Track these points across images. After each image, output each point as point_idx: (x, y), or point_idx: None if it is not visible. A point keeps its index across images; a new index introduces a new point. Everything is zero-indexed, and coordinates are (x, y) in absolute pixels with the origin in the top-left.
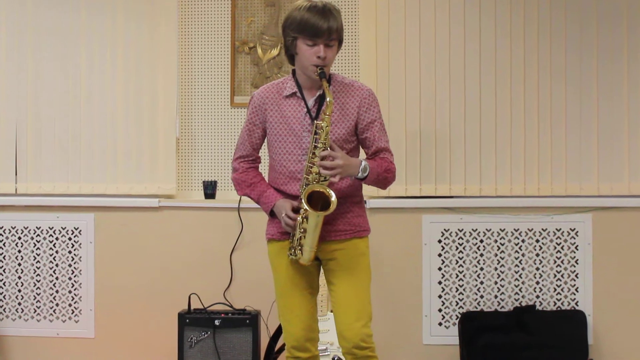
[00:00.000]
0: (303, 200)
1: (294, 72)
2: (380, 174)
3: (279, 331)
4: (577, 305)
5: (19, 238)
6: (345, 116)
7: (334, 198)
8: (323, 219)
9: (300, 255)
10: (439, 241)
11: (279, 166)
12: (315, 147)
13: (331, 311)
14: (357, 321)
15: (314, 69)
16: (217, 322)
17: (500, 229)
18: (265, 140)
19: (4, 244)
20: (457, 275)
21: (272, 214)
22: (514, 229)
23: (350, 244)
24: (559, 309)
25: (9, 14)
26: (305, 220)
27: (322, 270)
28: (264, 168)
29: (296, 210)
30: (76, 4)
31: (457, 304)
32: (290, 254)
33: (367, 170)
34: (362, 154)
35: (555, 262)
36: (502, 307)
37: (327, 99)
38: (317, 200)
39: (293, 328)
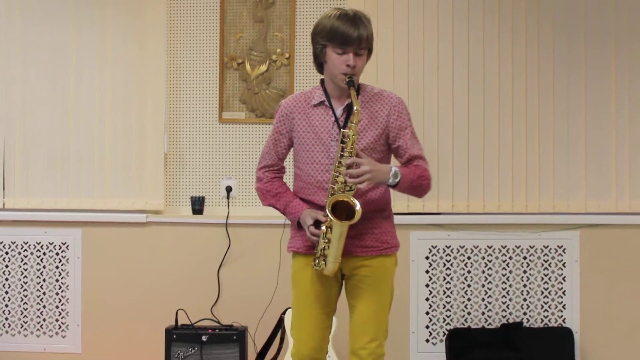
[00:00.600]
0: (327, 210)
1: (322, 81)
2: (414, 181)
3: (266, 347)
4: (565, 323)
5: (7, 253)
6: (374, 124)
7: (358, 207)
8: (347, 229)
9: (324, 265)
10: (427, 258)
11: (306, 176)
12: (342, 155)
13: None
14: (372, 341)
15: (343, 77)
16: (204, 338)
17: (488, 246)
18: (291, 150)
19: None
20: (445, 292)
21: (298, 225)
22: (502, 246)
23: (377, 261)
24: (546, 326)
25: None
26: (329, 230)
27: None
28: (289, 178)
29: (318, 224)
30: (65, 20)
31: (445, 320)
32: (315, 265)
33: (398, 176)
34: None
35: (542, 279)
36: (490, 324)
37: (355, 108)
38: (342, 210)
39: (302, 346)
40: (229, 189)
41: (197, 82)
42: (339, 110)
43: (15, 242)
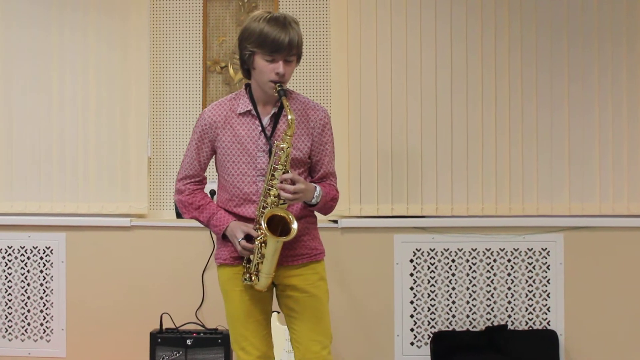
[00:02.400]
0: (263, 225)
1: (247, 86)
2: (327, 202)
3: None
4: (549, 325)
5: None
6: (301, 137)
7: (295, 225)
8: (282, 244)
9: (257, 281)
10: (411, 261)
11: (232, 187)
12: (275, 168)
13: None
14: (323, 349)
15: (272, 85)
16: (189, 342)
17: (472, 249)
18: (213, 160)
19: None
20: (429, 295)
21: (224, 237)
22: (486, 249)
23: (308, 269)
24: (530, 328)
25: None
26: (263, 245)
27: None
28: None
29: (249, 237)
30: (47, 23)
31: (429, 323)
32: (245, 279)
33: (319, 197)
34: None
35: (527, 281)
36: (474, 326)
37: (289, 117)
38: (277, 225)
39: (249, 357)
40: (212, 193)
41: (180, 85)
42: (265, 120)
43: None
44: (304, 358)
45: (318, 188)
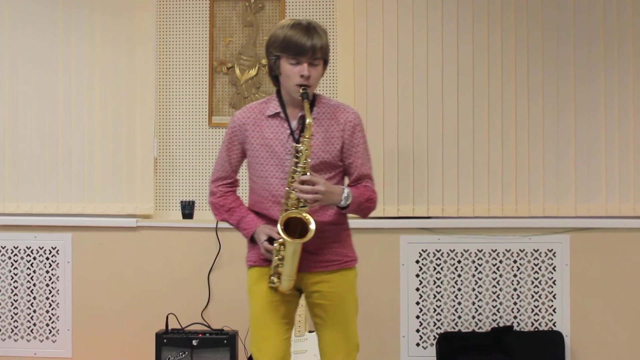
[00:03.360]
0: (279, 228)
1: (278, 92)
2: (362, 204)
3: None
4: (555, 326)
5: None
6: (330, 140)
7: (312, 225)
8: (302, 246)
9: (279, 283)
10: (417, 262)
11: (261, 190)
12: (295, 171)
13: (310, 331)
14: (347, 357)
15: (298, 88)
16: (194, 342)
17: (478, 250)
18: (245, 162)
19: None
20: (435, 296)
21: (252, 240)
22: (492, 250)
23: (338, 275)
24: (536, 329)
25: None
26: (283, 247)
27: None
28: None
29: (273, 240)
30: (53, 24)
31: (435, 324)
32: (270, 282)
33: (349, 199)
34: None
35: (532, 282)
36: (480, 327)
37: (307, 121)
38: (296, 226)
39: (265, 358)
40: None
41: (186, 86)
42: (294, 123)
43: (5, 247)
44: None
45: (346, 190)
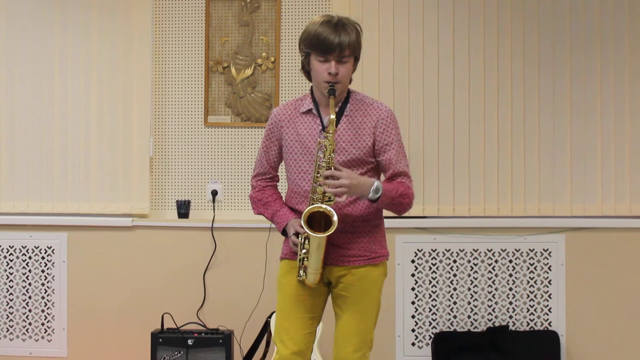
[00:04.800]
0: (302, 222)
1: (312, 89)
2: (395, 198)
3: (252, 351)
4: (550, 326)
5: None
6: (360, 136)
7: (335, 217)
8: (326, 240)
9: (305, 277)
10: (412, 261)
11: (294, 185)
12: (320, 165)
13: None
14: (356, 351)
15: (326, 85)
16: (190, 342)
17: (474, 249)
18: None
19: None
20: (431, 296)
21: (284, 234)
22: (487, 249)
23: (363, 271)
24: (532, 329)
25: None
26: (307, 241)
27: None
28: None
29: (299, 234)
30: (50, 23)
31: (431, 324)
32: (298, 275)
33: (379, 192)
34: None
35: (528, 282)
36: (476, 327)
37: (331, 117)
38: (320, 220)
39: (286, 350)
40: (214, 193)
41: (182, 86)
42: (326, 119)
43: (0, 246)
44: (336, 357)
45: (377, 182)
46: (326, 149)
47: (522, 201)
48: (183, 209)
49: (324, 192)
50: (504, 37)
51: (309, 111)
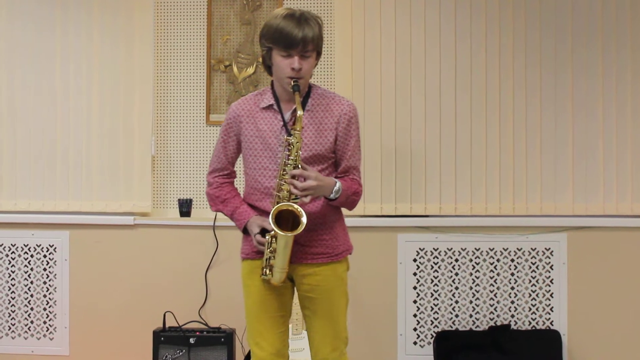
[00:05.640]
0: (270, 221)
1: (272, 83)
2: (349, 197)
3: None
4: (552, 325)
5: None
6: (323, 131)
7: (304, 218)
8: (293, 238)
9: (271, 275)
10: (414, 260)
11: (254, 182)
12: (286, 163)
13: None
14: (334, 351)
15: (289, 81)
16: (192, 340)
17: (476, 248)
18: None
19: None
20: (432, 294)
21: (245, 232)
22: (489, 248)
23: (328, 269)
24: (533, 328)
25: None
26: (274, 240)
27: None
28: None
29: (265, 232)
30: (51, 21)
31: (432, 323)
32: (262, 274)
33: (339, 192)
34: None
35: (530, 281)
36: (477, 326)
37: (298, 113)
38: (287, 218)
39: (262, 352)
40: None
41: (184, 84)
42: (287, 115)
43: (2, 245)
44: (315, 358)
45: (338, 183)
46: (293, 147)
47: (524, 200)
48: (185, 207)
49: (290, 191)
50: (506, 36)
51: (269, 107)
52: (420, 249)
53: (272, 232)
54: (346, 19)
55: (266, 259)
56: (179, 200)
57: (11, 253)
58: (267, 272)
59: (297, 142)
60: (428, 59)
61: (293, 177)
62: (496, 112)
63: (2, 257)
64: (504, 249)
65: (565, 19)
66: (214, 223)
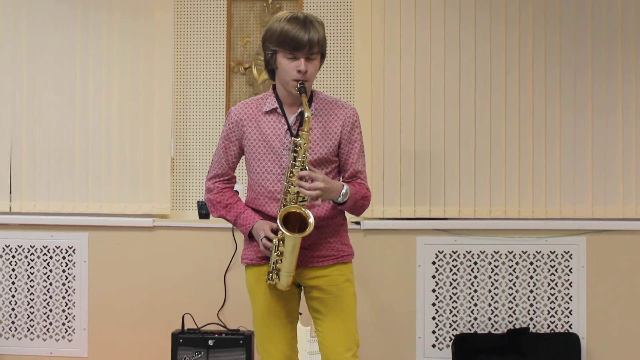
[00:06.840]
0: (279, 223)
1: (274, 87)
2: (358, 201)
3: None
4: (571, 328)
5: (13, 257)
6: (328, 135)
7: (311, 219)
8: (301, 241)
9: (278, 280)
10: (433, 263)
11: (258, 186)
12: (294, 165)
13: None
14: (347, 351)
15: (295, 84)
16: (210, 343)
17: (495, 251)
18: (243, 158)
19: None
20: (451, 297)
21: (250, 237)
22: (508, 251)
23: (335, 270)
24: (552, 331)
25: (3, 32)
26: (282, 243)
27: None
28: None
29: (276, 232)
30: (71, 23)
31: (451, 325)
32: (268, 279)
33: (347, 196)
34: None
35: (549, 284)
36: (496, 329)
37: (306, 115)
38: (294, 222)
39: (272, 359)
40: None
41: (203, 86)
42: (291, 118)
43: (21, 246)
44: (327, 358)
45: (345, 186)
46: (300, 148)
47: (543, 203)
48: (204, 209)
49: (298, 193)
50: (526, 38)
51: (273, 110)
52: (439, 251)
53: (280, 235)
54: (366, 22)
55: (273, 263)
56: (198, 202)
57: (30, 255)
58: (274, 276)
59: (304, 144)
60: (447, 61)
61: (301, 178)
62: (516, 115)
63: (21, 259)
64: (523, 251)
65: (585, 22)
66: (233, 225)
